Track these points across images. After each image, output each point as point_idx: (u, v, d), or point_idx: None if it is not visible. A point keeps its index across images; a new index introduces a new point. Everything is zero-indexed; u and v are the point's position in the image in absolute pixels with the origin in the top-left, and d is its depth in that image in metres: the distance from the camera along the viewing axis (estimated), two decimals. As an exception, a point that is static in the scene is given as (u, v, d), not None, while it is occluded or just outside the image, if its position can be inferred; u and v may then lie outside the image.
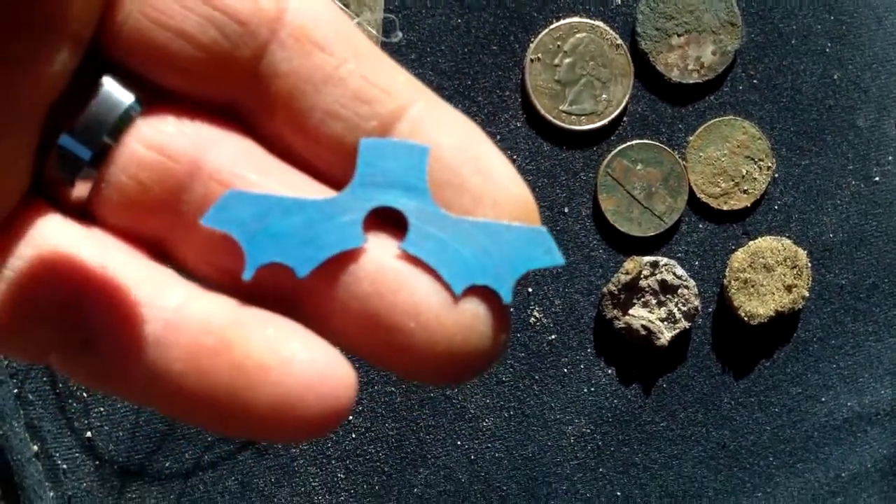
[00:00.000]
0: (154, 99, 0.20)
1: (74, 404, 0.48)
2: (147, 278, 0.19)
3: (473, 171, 0.20)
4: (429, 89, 0.20)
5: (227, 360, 0.18)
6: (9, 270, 0.19)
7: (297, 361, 0.18)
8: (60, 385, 0.48)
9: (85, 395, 0.48)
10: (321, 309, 0.20)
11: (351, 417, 0.51)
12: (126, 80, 0.20)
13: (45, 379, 0.48)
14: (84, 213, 0.20)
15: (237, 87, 0.20)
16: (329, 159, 0.20)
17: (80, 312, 0.19)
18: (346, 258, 0.19)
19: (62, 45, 0.18)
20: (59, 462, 0.48)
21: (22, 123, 0.19)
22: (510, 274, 0.20)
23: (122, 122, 0.20)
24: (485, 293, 0.19)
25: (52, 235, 0.20)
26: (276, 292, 0.20)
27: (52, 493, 0.48)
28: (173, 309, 0.19)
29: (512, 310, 0.52)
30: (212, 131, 0.20)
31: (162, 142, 0.19)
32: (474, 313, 0.19)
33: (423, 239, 0.19)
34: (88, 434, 0.48)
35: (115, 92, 0.20)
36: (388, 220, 0.20)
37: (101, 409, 0.48)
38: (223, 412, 0.19)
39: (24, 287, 0.19)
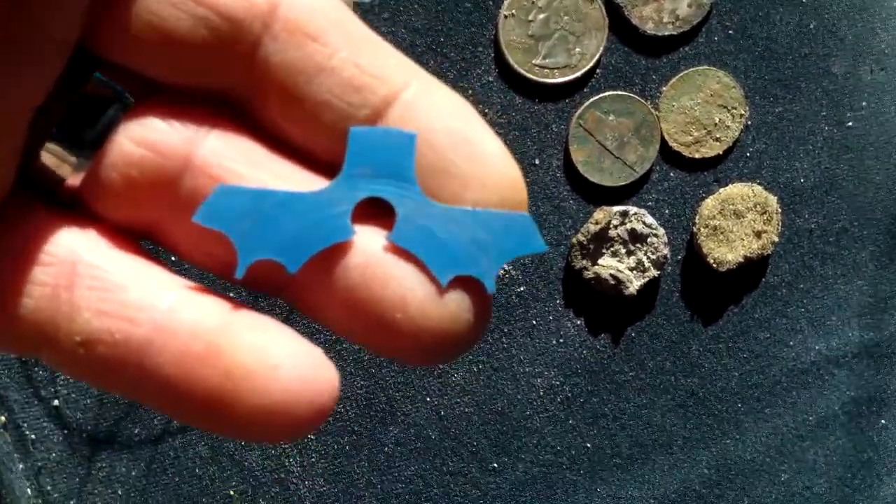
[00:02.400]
0: (144, 91, 0.26)
1: (41, 372, 0.63)
2: (139, 278, 0.25)
3: (462, 156, 0.25)
4: (421, 69, 0.26)
5: (215, 366, 0.24)
6: (2, 268, 0.25)
7: (284, 368, 0.24)
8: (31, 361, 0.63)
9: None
10: (312, 299, 0.26)
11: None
12: (115, 73, 0.25)
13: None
14: (74, 204, 0.26)
15: (231, 79, 0.25)
16: (324, 147, 0.26)
17: (72, 312, 0.25)
18: (336, 251, 0.25)
19: (49, 50, 0.24)
20: (28, 432, 0.63)
21: (9, 127, 0.24)
22: (494, 263, 0.26)
23: (113, 118, 0.25)
24: (469, 283, 0.25)
25: (44, 231, 0.25)
26: (268, 283, 0.26)
27: (21, 465, 0.63)
28: (164, 311, 0.25)
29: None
30: (203, 124, 0.25)
31: (152, 138, 0.25)
32: (459, 303, 0.25)
33: (411, 229, 0.25)
34: (56, 402, 0.63)
35: (105, 87, 0.25)
36: (378, 208, 0.25)
37: (68, 377, 0.63)
38: (211, 415, 0.24)
39: (17, 284, 0.25)
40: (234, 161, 0.25)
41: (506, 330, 0.69)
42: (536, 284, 0.69)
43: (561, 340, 0.70)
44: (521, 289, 0.69)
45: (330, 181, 0.26)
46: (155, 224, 0.26)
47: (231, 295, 0.27)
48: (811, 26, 0.70)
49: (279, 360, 0.24)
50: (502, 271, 0.68)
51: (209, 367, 0.24)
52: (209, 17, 0.24)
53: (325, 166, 0.26)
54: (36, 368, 0.63)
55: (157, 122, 0.25)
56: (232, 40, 0.25)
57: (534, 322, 0.70)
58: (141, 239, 0.27)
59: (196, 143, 0.25)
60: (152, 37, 0.24)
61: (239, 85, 0.26)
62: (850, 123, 0.72)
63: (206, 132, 0.25)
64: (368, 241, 0.26)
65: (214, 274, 0.27)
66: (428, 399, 0.69)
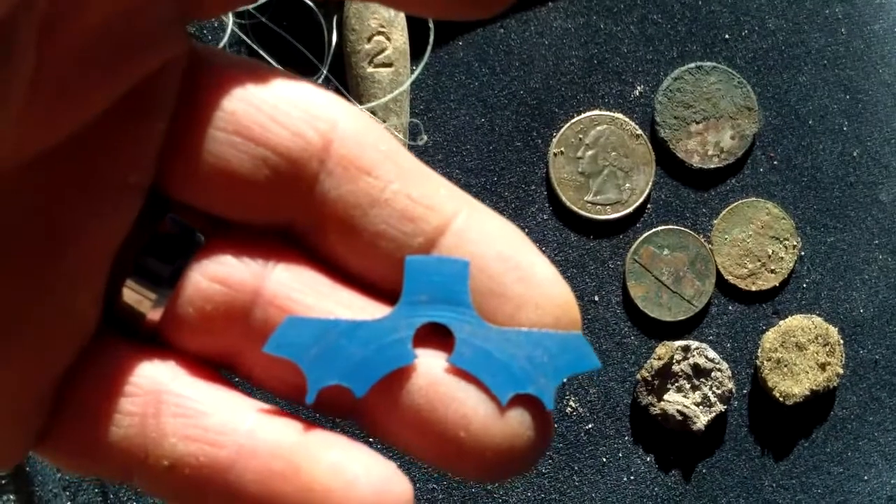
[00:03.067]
0: (215, 229, 0.29)
1: (127, 514, 0.68)
2: (219, 404, 0.29)
3: (515, 279, 0.28)
4: (470, 197, 0.29)
5: (295, 483, 0.27)
6: (92, 398, 0.28)
7: (360, 483, 0.27)
8: (112, 497, 0.67)
9: (128, 508, 0.68)
10: (379, 419, 0.29)
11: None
12: (187, 213, 0.29)
13: (96, 491, 0.67)
14: (154, 338, 0.30)
15: (292, 214, 0.29)
16: (382, 274, 0.29)
17: (159, 438, 0.28)
18: (400, 375, 0.28)
19: (126, 195, 0.28)
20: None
21: (93, 269, 0.28)
22: (552, 380, 0.28)
23: (186, 256, 0.29)
24: (529, 400, 0.28)
25: (128, 364, 0.29)
26: (337, 407, 0.29)
27: None
28: (245, 433, 0.28)
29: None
30: (269, 258, 0.29)
31: (224, 274, 0.29)
32: (520, 421, 0.28)
33: (470, 351, 0.28)
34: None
35: (178, 226, 0.29)
36: (437, 332, 0.29)
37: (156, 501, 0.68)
38: None
39: (107, 414, 0.28)
40: (300, 292, 0.29)
41: (576, 468, 0.73)
42: (604, 421, 0.74)
43: (632, 478, 0.74)
44: (590, 426, 0.74)
45: (390, 307, 0.29)
46: (230, 354, 0.30)
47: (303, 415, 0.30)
48: (854, 154, 0.77)
49: (355, 475, 0.27)
50: (570, 409, 0.73)
51: (290, 485, 0.27)
52: (268, 157, 0.28)
53: (385, 293, 0.29)
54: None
55: (227, 258, 0.29)
56: (291, 177, 0.28)
57: (603, 459, 0.74)
58: (218, 367, 0.30)
59: (264, 276, 0.29)
60: (218, 178, 0.28)
61: (300, 219, 0.29)
62: (904, 251, 0.78)
63: (273, 265, 0.29)
64: (430, 365, 0.29)
65: (287, 399, 0.30)
66: (502, 538, 0.72)
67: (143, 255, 0.29)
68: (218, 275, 0.29)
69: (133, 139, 0.27)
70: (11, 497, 0.68)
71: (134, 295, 0.29)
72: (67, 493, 0.67)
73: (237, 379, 0.31)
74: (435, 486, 0.72)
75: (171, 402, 0.28)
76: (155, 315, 0.29)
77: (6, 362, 0.27)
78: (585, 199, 0.73)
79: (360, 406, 0.29)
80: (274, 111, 0.28)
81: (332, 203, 0.28)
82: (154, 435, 0.28)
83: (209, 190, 0.28)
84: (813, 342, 0.75)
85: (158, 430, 0.28)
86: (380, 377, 0.28)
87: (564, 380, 0.30)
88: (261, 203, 0.29)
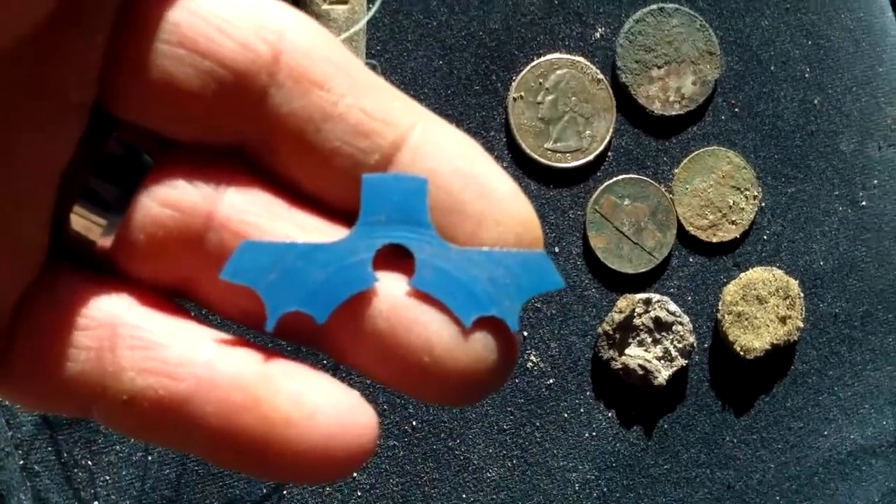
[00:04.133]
0: (164, 151, 0.30)
1: (80, 474, 0.72)
2: (177, 335, 0.30)
3: (474, 195, 0.29)
4: (426, 110, 0.30)
5: (256, 414, 0.29)
6: (45, 333, 0.29)
7: (321, 413, 0.29)
8: (66, 455, 0.71)
9: (90, 463, 0.72)
10: (341, 345, 0.30)
11: (355, 474, 0.75)
12: (133, 133, 0.30)
13: (49, 449, 0.71)
14: (106, 267, 0.31)
15: (242, 132, 0.30)
16: (339, 195, 0.30)
17: (116, 372, 0.29)
18: (361, 299, 0.30)
19: (68, 113, 0.28)
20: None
21: (38, 192, 0.28)
22: (515, 301, 0.30)
23: (134, 178, 0.30)
24: (493, 323, 0.30)
25: (81, 296, 0.30)
26: (298, 333, 0.31)
27: (52, 573, 0.71)
28: (204, 365, 0.29)
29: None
30: (221, 180, 0.30)
31: (175, 198, 0.30)
32: (484, 344, 0.30)
33: (431, 273, 0.30)
34: (95, 503, 0.71)
35: (124, 148, 0.30)
36: (397, 253, 0.30)
37: (107, 478, 0.72)
38: (254, 460, 0.29)
39: (61, 349, 0.29)
40: (254, 215, 0.30)
41: (538, 424, 0.79)
42: (566, 376, 0.80)
43: (594, 433, 0.80)
44: (551, 381, 0.79)
45: (348, 228, 0.30)
46: (185, 282, 0.31)
47: (268, 345, 0.31)
48: (815, 102, 0.83)
49: (316, 406, 0.29)
50: (530, 364, 0.79)
51: (250, 416, 0.29)
52: (215, 70, 0.29)
53: (342, 213, 0.31)
54: (76, 470, 0.72)
55: (178, 181, 0.30)
56: (239, 91, 0.29)
57: (565, 415, 0.79)
58: (174, 297, 0.32)
59: (217, 199, 0.30)
60: (163, 93, 0.29)
61: (251, 137, 0.30)
62: (864, 203, 0.85)
63: (226, 188, 0.30)
64: (391, 288, 0.30)
65: (247, 327, 0.31)
66: (464, 495, 0.78)
67: (89, 179, 0.30)
68: (169, 199, 0.30)
69: (72, 53, 0.28)
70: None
71: (82, 221, 0.30)
72: (20, 452, 0.71)
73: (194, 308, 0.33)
74: (396, 442, 0.77)
75: (128, 335, 0.29)
76: (105, 242, 0.30)
77: None
78: (545, 146, 0.79)
79: (321, 332, 0.30)
80: (220, 22, 0.29)
81: (284, 118, 0.29)
82: (111, 369, 0.29)
83: (155, 107, 0.29)
84: (773, 295, 0.81)
85: (115, 364, 0.29)
86: (340, 302, 0.29)
87: (529, 297, 0.30)
88: (209, 120, 0.30)
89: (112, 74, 0.29)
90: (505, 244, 0.29)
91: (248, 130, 0.30)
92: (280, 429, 0.28)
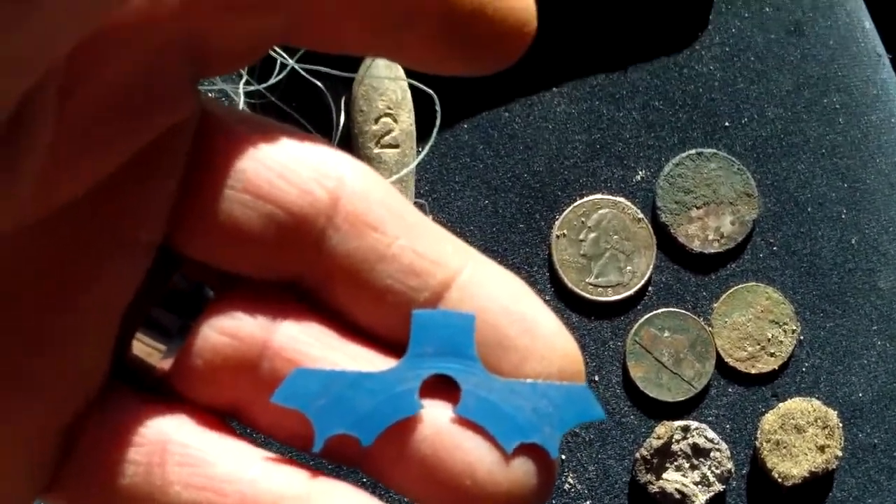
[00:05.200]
0: (225, 283, 0.32)
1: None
2: (225, 453, 0.30)
3: (520, 331, 0.30)
4: (476, 252, 0.32)
5: None
6: (100, 450, 0.30)
7: None
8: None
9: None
10: (386, 468, 0.31)
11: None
12: (197, 269, 0.32)
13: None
14: (163, 389, 0.32)
15: (300, 269, 0.31)
16: (389, 327, 0.31)
17: (164, 486, 0.30)
18: (407, 425, 0.30)
19: (136, 252, 0.30)
20: None
21: (103, 323, 0.30)
22: (557, 430, 0.30)
23: (196, 310, 0.31)
24: (534, 449, 0.30)
25: (136, 415, 0.31)
26: (344, 455, 0.31)
27: None
28: (249, 482, 0.30)
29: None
30: (278, 312, 0.31)
31: (233, 327, 0.31)
32: (525, 469, 0.30)
33: (475, 402, 0.30)
34: None
35: (188, 282, 0.32)
36: (443, 384, 0.31)
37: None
38: None
39: (114, 464, 0.30)
40: (308, 344, 0.31)
41: (574, 545, 0.82)
42: (602, 499, 0.83)
43: (630, 557, 0.83)
44: (588, 503, 0.82)
45: (397, 360, 0.31)
46: (238, 404, 0.32)
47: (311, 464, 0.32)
48: (853, 241, 0.86)
49: None
50: (568, 486, 0.82)
51: None
52: (276, 214, 0.30)
53: (392, 346, 0.31)
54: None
55: (237, 312, 0.31)
56: (299, 234, 0.30)
57: (601, 537, 0.83)
58: (226, 418, 0.32)
59: (273, 329, 0.31)
60: (227, 234, 0.30)
61: (308, 274, 0.31)
62: (903, 338, 0.87)
63: (282, 319, 0.31)
64: (436, 415, 0.31)
65: (294, 448, 0.32)
66: None
67: (153, 309, 0.31)
68: (228, 328, 0.31)
69: (144, 198, 0.29)
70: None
71: (144, 347, 0.31)
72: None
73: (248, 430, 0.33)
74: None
75: (176, 452, 0.30)
76: (164, 365, 0.31)
77: (14, 416, 0.29)
78: (587, 280, 0.83)
79: (367, 455, 0.31)
80: (282, 169, 0.30)
81: (340, 258, 0.30)
82: (159, 483, 0.30)
83: (219, 246, 0.31)
84: (812, 425, 0.83)
85: (163, 479, 0.30)
86: (386, 426, 0.30)
87: (570, 427, 0.31)
88: (269, 259, 0.31)
89: (180, 216, 0.30)
90: (548, 378, 0.30)
91: (305, 268, 0.31)
92: None
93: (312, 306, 0.32)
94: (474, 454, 0.30)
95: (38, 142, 0.26)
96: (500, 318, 0.31)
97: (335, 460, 0.32)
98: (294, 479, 0.31)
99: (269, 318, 0.31)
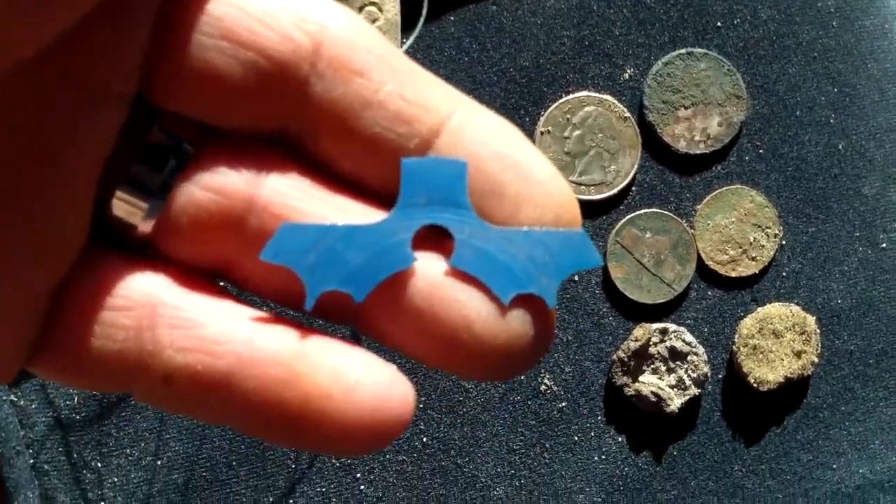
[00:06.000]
0: (206, 138, 0.31)
1: (88, 475, 0.76)
2: (216, 314, 0.30)
3: (513, 178, 0.30)
4: (465, 96, 0.31)
5: (296, 389, 0.29)
6: (85, 313, 0.30)
7: (360, 388, 0.29)
8: (76, 456, 0.75)
9: (100, 465, 0.76)
10: (379, 324, 0.31)
11: (362, 486, 0.79)
12: (175, 122, 0.31)
13: (60, 449, 0.76)
14: (146, 250, 0.31)
15: (283, 119, 0.30)
16: (378, 179, 0.31)
17: (156, 350, 0.30)
18: (400, 279, 0.30)
19: (111, 103, 0.29)
20: (77, 534, 0.76)
21: (80, 178, 0.29)
22: (554, 279, 0.30)
23: (176, 165, 0.30)
24: (531, 300, 0.30)
25: (120, 277, 0.30)
26: (336, 313, 0.31)
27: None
28: (243, 342, 0.30)
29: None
30: (262, 165, 0.31)
31: (217, 183, 0.30)
32: (522, 321, 0.30)
33: (470, 253, 0.30)
34: None
35: (166, 136, 0.31)
36: (436, 234, 0.30)
37: (115, 480, 0.76)
38: (294, 434, 0.30)
39: (101, 329, 0.30)
40: (294, 198, 0.30)
41: (547, 445, 0.82)
42: (578, 400, 0.83)
43: (603, 457, 0.83)
44: (563, 404, 0.82)
45: (387, 211, 0.31)
46: (225, 263, 0.32)
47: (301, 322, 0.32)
48: (840, 147, 0.85)
49: (354, 380, 0.29)
50: (544, 387, 0.82)
51: (291, 391, 0.29)
52: (257, 61, 0.29)
53: (382, 197, 0.31)
54: (84, 471, 0.76)
55: (220, 166, 0.30)
56: (280, 81, 0.30)
57: (575, 438, 0.82)
58: (213, 278, 0.32)
59: (258, 183, 0.30)
60: (206, 84, 0.29)
61: (292, 124, 0.31)
62: (884, 245, 0.86)
63: (267, 172, 0.31)
64: (430, 267, 0.31)
65: (285, 306, 0.32)
66: (471, 510, 0.81)
67: (132, 166, 0.31)
68: (212, 183, 0.30)
69: (114, 45, 0.28)
70: (-27, 453, 0.75)
71: (124, 206, 0.31)
72: (31, 451, 0.75)
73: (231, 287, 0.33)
74: (405, 457, 0.80)
75: (167, 314, 0.30)
76: (146, 226, 0.31)
77: None
78: (570, 178, 0.82)
79: (359, 311, 0.31)
80: (262, 14, 0.29)
81: (325, 106, 0.30)
82: (150, 347, 0.30)
83: (198, 97, 0.30)
84: (790, 330, 0.83)
85: (155, 343, 0.30)
86: (379, 281, 0.30)
87: (567, 275, 0.30)
88: (251, 109, 0.30)
89: (154, 66, 0.29)
90: (544, 225, 0.30)
91: (289, 119, 0.31)
92: (320, 403, 0.29)
93: (298, 159, 0.31)
94: (470, 306, 0.30)
95: None
96: (492, 164, 0.30)
97: (328, 319, 0.32)
98: (287, 337, 0.30)
99: (255, 173, 0.31)
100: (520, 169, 0.30)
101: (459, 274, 0.30)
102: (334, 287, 0.30)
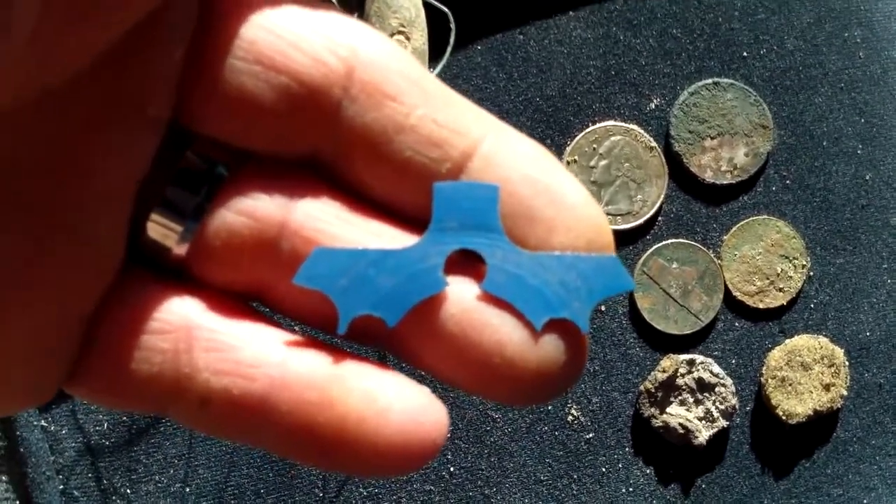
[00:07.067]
0: (239, 162, 0.31)
1: (118, 501, 0.76)
2: (250, 337, 0.31)
3: (545, 202, 0.30)
4: (497, 120, 0.31)
5: (330, 413, 0.29)
6: (122, 336, 0.30)
7: (394, 412, 0.29)
8: (105, 482, 0.75)
9: (129, 492, 0.76)
10: (412, 348, 0.31)
11: (389, 518, 0.78)
12: (209, 146, 0.31)
13: (90, 475, 0.75)
14: (180, 273, 0.32)
15: (316, 143, 0.30)
16: (410, 202, 0.31)
17: (192, 373, 0.30)
18: (432, 303, 0.30)
19: (146, 128, 0.29)
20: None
21: (115, 201, 0.29)
22: (586, 303, 0.30)
23: (210, 189, 0.31)
24: (563, 324, 0.30)
25: (157, 300, 0.30)
26: (369, 336, 0.31)
27: None
28: (277, 365, 0.30)
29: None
30: (295, 189, 0.31)
31: (250, 206, 0.30)
32: (555, 345, 0.30)
33: (502, 277, 0.30)
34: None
35: (200, 161, 0.31)
36: (468, 259, 0.30)
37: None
38: (328, 456, 0.30)
39: (138, 352, 0.30)
40: (327, 222, 0.30)
41: (575, 477, 0.81)
42: (605, 431, 0.82)
43: (630, 489, 0.82)
44: (590, 435, 0.82)
45: (419, 235, 0.30)
46: (258, 287, 0.32)
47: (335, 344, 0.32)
48: (867, 178, 0.85)
49: (389, 404, 0.29)
50: (571, 417, 0.81)
51: (324, 414, 0.29)
52: (289, 85, 0.29)
53: (414, 221, 0.31)
54: (114, 497, 0.76)
55: (253, 191, 0.30)
56: (313, 105, 0.30)
57: (603, 469, 0.82)
58: (246, 300, 0.32)
59: (291, 207, 0.30)
60: (239, 108, 0.30)
61: (325, 149, 0.31)
62: (913, 277, 0.86)
63: (299, 196, 0.31)
64: (462, 292, 0.30)
65: (318, 330, 0.32)
66: (498, 541, 0.80)
67: (166, 189, 0.31)
68: (244, 208, 0.30)
69: (149, 69, 0.28)
70: (3, 478, 0.75)
71: (159, 229, 0.31)
72: (61, 477, 0.75)
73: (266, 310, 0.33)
74: (432, 487, 0.80)
75: (203, 337, 0.30)
76: (181, 250, 0.31)
77: (33, 301, 0.29)
78: (597, 208, 0.81)
79: (392, 335, 0.31)
80: (294, 38, 0.29)
81: (357, 130, 0.30)
82: (187, 370, 0.30)
83: (231, 121, 0.30)
84: (818, 362, 0.83)
85: (191, 366, 0.30)
86: (411, 306, 0.30)
87: (600, 300, 0.30)
88: (284, 133, 0.30)
89: (188, 90, 0.30)
90: (576, 249, 0.30)
91: (321, 142, 0.31)
92: (354, 426, 0.29)
93: (330, 183, 0.31)
94: (503, 331, 0.30)
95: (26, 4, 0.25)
96: (524, 188, 0.30)
97: (360, 342, 0.32)
98: (321, 360, 0.31)
99: (287, 197, 0.31)
100: (552, 193, 0.30)
101: (492, 298, 0.30)
102: (367, 311, 0.30)
